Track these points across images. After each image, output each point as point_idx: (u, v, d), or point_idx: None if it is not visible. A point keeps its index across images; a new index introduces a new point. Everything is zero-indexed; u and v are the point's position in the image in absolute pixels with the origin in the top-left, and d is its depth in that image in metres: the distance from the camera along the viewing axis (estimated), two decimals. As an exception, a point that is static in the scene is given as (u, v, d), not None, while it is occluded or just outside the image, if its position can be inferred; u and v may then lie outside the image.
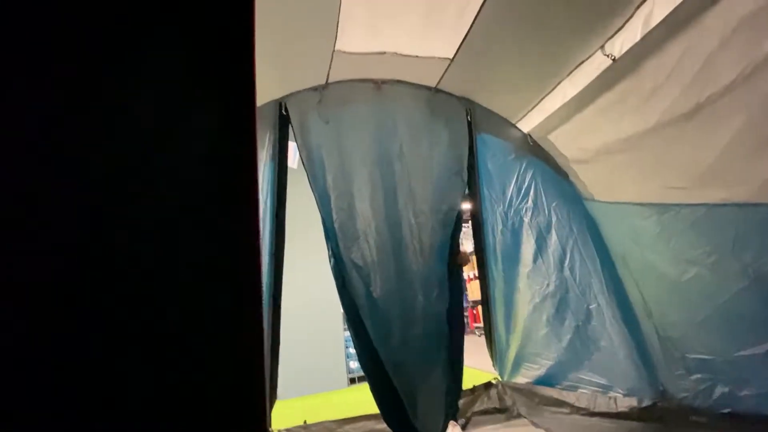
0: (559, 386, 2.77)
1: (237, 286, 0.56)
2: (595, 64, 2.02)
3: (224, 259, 0.56)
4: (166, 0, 0.55)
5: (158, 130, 0.55)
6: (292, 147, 2.54)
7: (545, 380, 2.84)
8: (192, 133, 0.56)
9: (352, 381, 4.84)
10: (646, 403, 2.36)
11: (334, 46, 2.20)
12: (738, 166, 1.69)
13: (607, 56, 1.93)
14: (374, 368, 2.29)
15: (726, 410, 1.95)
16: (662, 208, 2.08)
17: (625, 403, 2.43)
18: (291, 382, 3.35)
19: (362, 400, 3.06)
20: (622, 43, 1.86)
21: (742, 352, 1.83)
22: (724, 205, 1.81)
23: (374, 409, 2.92)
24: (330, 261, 2.36)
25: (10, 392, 0.45)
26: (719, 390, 1.98)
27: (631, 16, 1.78)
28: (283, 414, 2.79)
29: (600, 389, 2.56)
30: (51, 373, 0.47)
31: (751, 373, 1.83)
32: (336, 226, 2.36)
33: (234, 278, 0.56)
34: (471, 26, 2.04)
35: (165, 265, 0.54)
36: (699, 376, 2.07)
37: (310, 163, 2.40)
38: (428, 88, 2.65)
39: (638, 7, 1.74)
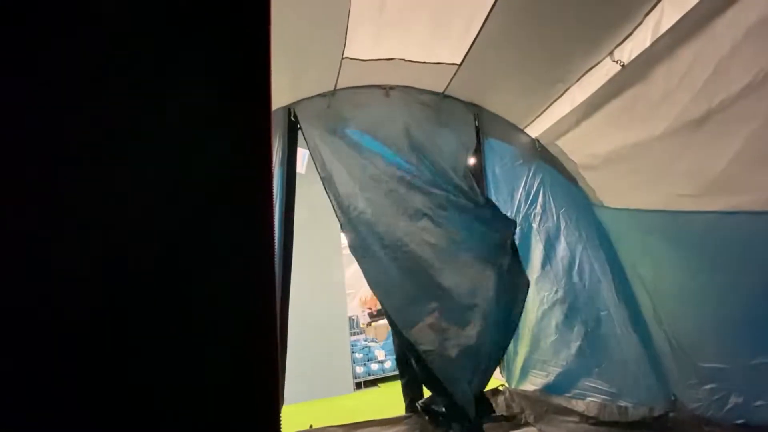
0: (568, 394, 2.73)
1: (251, 288, 0.57)
2: (604, 70, 2.01)
3: (238, 262, 0.57)
4: (186, 7, 0.56)
5: (175, 135, 0.56)
6: (301, 153, 2.57)
7: (554, 388, 2.80)
8: (209, 137, 0.57)
9: (358, 386, 4.83)
10: (657, 412, 2.31)
11: (343, 53, 2.22)
12: (749, 174, 1.67)
13: (616, 62, 1.92)
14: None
15: (740, 421, 1.91)
16: (672, 215, 2.05)
17: (635, 413, 2.39)
18: (297, 386, 3.34)
19: (368, 405, 3.06)
20: (632, 49, 1.85)
21: (757, 361, 1.79)
22: (736, 212, 1.79)
23: (380, 415, 2.92)
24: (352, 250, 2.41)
25: (13, 389, 0.45)
26: (733, 400, 1.94)
27: (640, 23, 1.77)
28: (289, 419, 2.79)
29: (610, 398, 2.52)
30: (67, 374, 0.48)
31: (766, 383, 1.80)
32: (359, 226, 2.40)
33: (248, 280, 0.57)
34: (479, 32, 2.05)
35: (181, 267, 0.54)
36: (712, 385, 2.03)
37: (322, 168, 2.44)
38: (436, 94, 2.66)
39: (647, 13, 1.74)
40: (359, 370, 4.92)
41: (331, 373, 4.58)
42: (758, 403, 1.84)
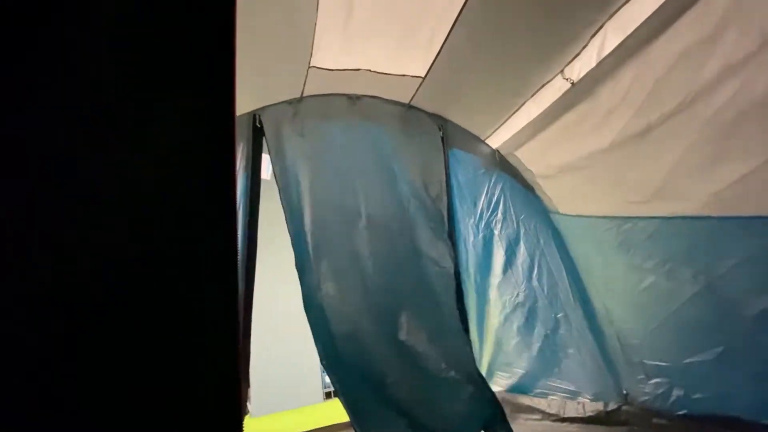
0: (531, 394, 2.84)
1: (214, 291, 0.58)
2: (556, 87, 2.15)
3: (203, 263, 0.57)
4: (152, 9, 0.57)
5: (139, 135, 0.56)
6: (266, 159, 2.54)
7: (517, 388, 2.91)
8: (172, 139, 0.58)
9: (328, 395, 4.77)
10: (611, 407, 2.46)
11: (310, 62, 2.23)
12: (686, 182, 1.83)
13: (567, 80, 2.06)
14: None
15: (682, 412, 2.06)
16: (621, 221, 2.20)
17: (592, 408, 2.53)
18: (264, 397, 3.26)
19: (338, 414, 3.02)
20: (580, 68, 2.00)
21: (694, 359, 1.95)
22: (676, 218, 1.95)
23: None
24: (296, 266, 2.33)
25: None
26: (675, 393, 2.09)
27: (586, 44, 1.92)
28: (255, 430, 2.72)
29: (569, 395, 2.65)
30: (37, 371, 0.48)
31: (702, 378, 1.96)
32: (308, 240, 2.35)
33: (212, 284, 0.58)
34: (441, 47, 2.13)
35: (146, 269, 0.55)
36: (657, 380, 2.19)
37: (282, 176, 2.39)
38: (402, 105, 2.72)
39: (593, 36, 1.88)
40: (329, 379, 4.86)
41: (300, 383, 4.49)
42: (696, 396, 1.99)
